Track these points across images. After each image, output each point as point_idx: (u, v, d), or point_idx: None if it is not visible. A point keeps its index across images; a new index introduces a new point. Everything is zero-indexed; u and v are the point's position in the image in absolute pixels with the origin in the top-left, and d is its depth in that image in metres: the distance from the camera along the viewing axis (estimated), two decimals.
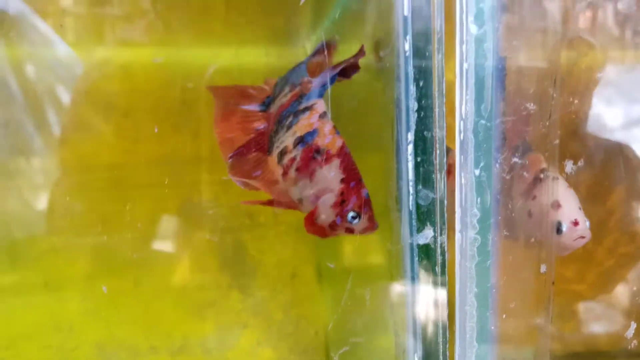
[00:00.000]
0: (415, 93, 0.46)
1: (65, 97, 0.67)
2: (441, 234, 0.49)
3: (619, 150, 0.69)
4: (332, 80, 0.52)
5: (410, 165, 0.47)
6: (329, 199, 0.50)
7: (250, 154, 0.55)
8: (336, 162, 0.50)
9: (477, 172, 0.46)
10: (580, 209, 0.58)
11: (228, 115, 0.58)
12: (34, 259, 0.70)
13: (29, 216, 0.69)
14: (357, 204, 0.49)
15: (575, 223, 0.57)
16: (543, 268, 0.53)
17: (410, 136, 0.47)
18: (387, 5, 0.47)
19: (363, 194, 0.50)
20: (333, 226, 0.51)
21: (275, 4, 0.75)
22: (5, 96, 0.65)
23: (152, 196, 0.73)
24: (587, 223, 0.58)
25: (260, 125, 0.56)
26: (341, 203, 0.50)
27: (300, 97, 0.53)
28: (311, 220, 0.51)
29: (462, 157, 0.46)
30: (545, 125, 0.48)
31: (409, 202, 0.48)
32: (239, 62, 0.74)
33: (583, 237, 0.57)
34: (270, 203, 0.55)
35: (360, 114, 0.58)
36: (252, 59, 0.75)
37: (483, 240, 0.48)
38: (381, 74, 0.50)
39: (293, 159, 0.51)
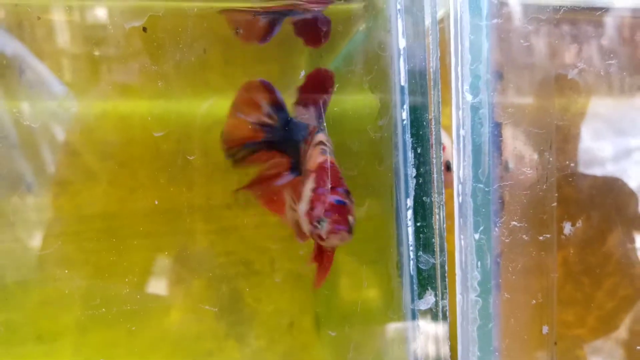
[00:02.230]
0: (413, 160, 0.46)
1: (60, 137, 0.67)
2: (442, 298, 0.48)
3: (610, 188, 0.68)
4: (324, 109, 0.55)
5: (410, 230, 0.47)
6: (303, 207, 0.50)
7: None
8: (312, 176, 0.50)
9: (476, 235, 0.46)
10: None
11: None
12: (26, 311, 0.69)
13: (21, 268, 0.68)
14: (322, 208, 0.47)
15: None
16: (545, 329, 0.52)
17: (410, 202, 0.47)
18: (384, 75, 0.47)
19: (329, 199, 0.47)
20: (312, 234, 0.49)
21: (272, 56, 0.76)
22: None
23: (148, 245, 0.72)
24: None
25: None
26: (311, 210, 0.48)
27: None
28: (299, 232, 0.53)
29: (461, 220, 0.46)
30: (542, 189, 0.48)
31: (410, 267, 0.48)
32: None
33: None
34: (252, 184, 0.59)
35: (360, 183, 0.58)
36: None
37: (484, 303, 0.47)
38: (380, 143, 0.50)
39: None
